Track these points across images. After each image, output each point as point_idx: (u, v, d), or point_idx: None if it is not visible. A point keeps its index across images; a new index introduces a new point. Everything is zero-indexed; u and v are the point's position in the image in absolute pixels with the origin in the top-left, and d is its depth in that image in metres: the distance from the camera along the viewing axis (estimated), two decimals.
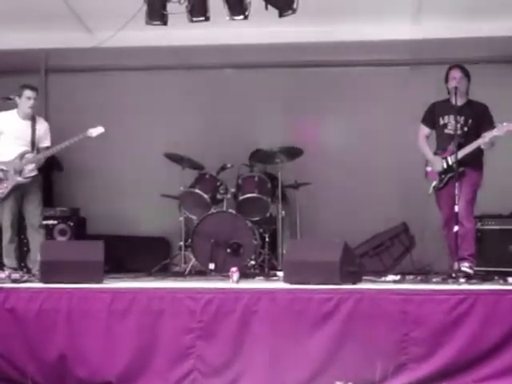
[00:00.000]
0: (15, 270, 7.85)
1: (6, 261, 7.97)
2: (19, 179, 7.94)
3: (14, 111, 8.12)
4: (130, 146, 10.16)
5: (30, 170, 8.01)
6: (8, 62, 9.68)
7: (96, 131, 8.04)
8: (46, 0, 8.22)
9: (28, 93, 8.02)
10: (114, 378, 6.35)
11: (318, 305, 6.26)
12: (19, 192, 7.98)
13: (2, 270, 7.85)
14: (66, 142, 7.99)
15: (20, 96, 8.04)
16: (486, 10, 8.07)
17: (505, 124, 7.27)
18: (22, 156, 7.97)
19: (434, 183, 7.69)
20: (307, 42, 8.90)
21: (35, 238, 7.98)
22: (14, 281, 7.21)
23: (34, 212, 8.04)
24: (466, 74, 7.69)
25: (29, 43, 8.97)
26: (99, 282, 6.92)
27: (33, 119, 8.08)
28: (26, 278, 7.41)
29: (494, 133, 7.32)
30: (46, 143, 8.13)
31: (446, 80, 7.68)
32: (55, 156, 9.50)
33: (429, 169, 7.78)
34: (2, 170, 7.95)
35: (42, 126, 8.14)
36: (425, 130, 7.87)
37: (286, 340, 6.23)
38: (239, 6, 7.24)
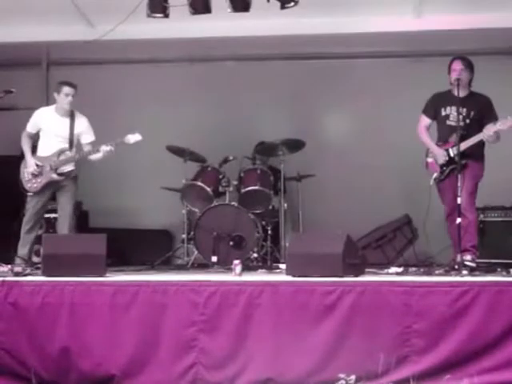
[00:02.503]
0: (25, 260, 7.86)
1: (19, 250, 7.98)
2: (53, 176, 7.96)
3: (53, 107, 8.14)
4: None
5: (66, 166, 8.03)
6: (10, 54, 9.71)
7: (134, 138, 7.99)
8: None
9: (66, 89, 8.01)
10: (118, 371, 6.35)
11: (320, 297, 6.26)
12: (52, 188, 8.03)
13: (4, 264, 7.87)
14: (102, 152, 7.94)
15: (58, 92, 8.04)
16: (489, 2, 8.04)
17: (509, 118, 7.25)
18: (59, 153, 7.99)
19: (435, 175, 7.67)
20: (309, 35, 8.88)
21: (64, 228, 7.98)
22: (17, 274, 7.20)
23: (65, 204, 8.03)
24: (469, 66, 7.65)
25: (30, 36, 8.95)
26: (102, 275, 6.90)
27: (71, 116, 8.07)
28: (28, 271, 7.40)
29: (498, 126, 7.30)
30: (89, 138, 8.11)
31: (449, 71, 7.65)
32: None
33: (429, 160, 7.77)
34: (37, 165, 7.97)
35: (81, 122, 8.11)
36: (425, 121, 7.84)
37: (289, 332, 6.22)
38: (241, 1, 7.22)
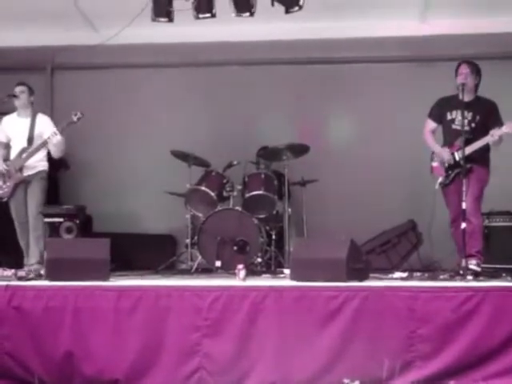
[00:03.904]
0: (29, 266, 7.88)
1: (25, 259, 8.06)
2: (19, 176, 8.01)
3: (16, 112, 8.25)
4: (136, 144, 10.16)
5: (33, 166, 8.03)
6: (14, 59, 9.73)
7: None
8: None
9: (16, 88, 8.13)
10: (121, 376, 6.32)
11: (324, 302, 6.23)
12: (23, 188, 8.06)
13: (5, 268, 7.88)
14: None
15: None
16: (495, 6, 8.05)
17: None
18: (21, 153, 8.06)
19: (441, 179, 7.66)
20: (314, 39, 8.91)
21: (33, 229, 7.99)
22: (20, 278, 7.19)
23: (31, 202, 8.04)
24: (475, 70, 7.63)
25: (35, 41, 9.01)
26: (106, 279, 6.89)
27: (33, 116, 8.12)
28: (32, 274, 7.39)
29: (504, 130, 7.30)
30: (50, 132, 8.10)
31: (456, 75, 7.62)
32: None
33: (434, 164, 7.75)
34: (5, 169, 8.04)
35: (42, 121, 8.18)
36: (431, 125, 7.83)
37: (293, 337, 6.20)
38: (246, 3, 7.22)
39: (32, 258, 7.92)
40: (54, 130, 7.96)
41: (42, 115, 8.26)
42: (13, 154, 8.13)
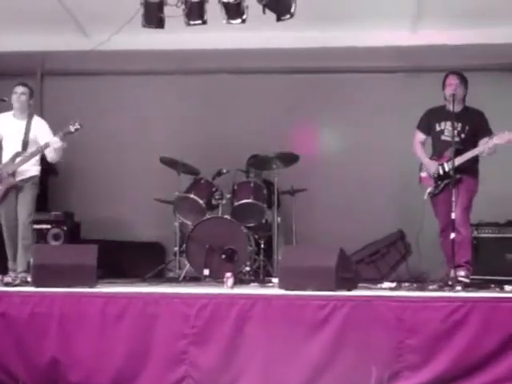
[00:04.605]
0: (15, 272, 7.79)
1: (10, 264, 7.93)
2: (11, 181, 7.87)
3: (11, 112, 8.08)
4: (126, 151, 10.14)
5: (25, 170, 7.92)
6: (3, 64, 9.66)
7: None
8: (43, 2, 8.17)
9: (16, 88, 8.00)
10: (107, 383, 6.28)
11: (313, 311, 6.20)
12: (14, 193, 7.91)
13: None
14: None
15: (12, 94, 8.01)
16: (485, 17, 8.04)
17: (506, 133, 7.26)
18: (14, 157, 7.90)
19: (430, 189, 7.66)
20: (305, 48, 8.86)
21: (22, 237, 7.85)
22: (6, 284, 7.14)
23: (20, 211, 7.90)
24: (463, 81, 7.68)
25: (25, 46, 8.90)
26: (92, 286, 6.85)
27: (29, 119, 8.01)
28: (18, 281, 7.34)
29: (495, 141, 7.31)
30: (46, 139, 7.93)
31: (444, 86, 7.65)
32: None
33: (423, 174, 7.76)
34: None
35: (38, 124, 8.04)
36: (420, 136, 7.85)
37: (281, 346, 6.17)
38: (236, 10, 7.20)
39: (20, 266, 7.77)
40: (55, 137, 7.81)
41: (39, 118, 8.12)
42: (4, 156, 7.95)
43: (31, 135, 7.95)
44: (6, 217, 7.95)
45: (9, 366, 6.40)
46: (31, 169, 7.96)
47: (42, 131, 8.00)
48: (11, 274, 7.75)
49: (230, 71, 10.07)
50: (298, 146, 9.17)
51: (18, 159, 7.89)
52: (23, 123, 7.98)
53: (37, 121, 8.07)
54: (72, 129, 7.81)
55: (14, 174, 7.86)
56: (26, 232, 7.88)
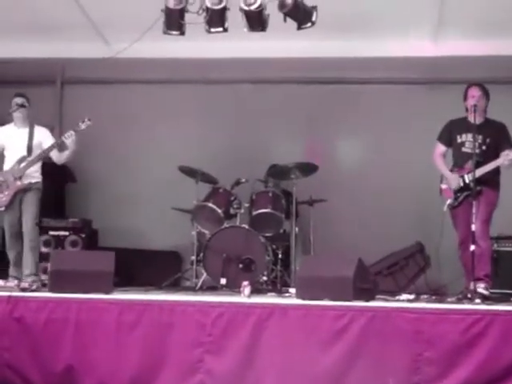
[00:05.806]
0: (16, 278, 7.79)
1: (11, 270, 7.93)
2: (19, 184, 7.89)
3: (12, 124, 8.16)
4: (144, 159, 10.14)
5: (31, 175, 7.95)
6: (24, 71, 9.71)
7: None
8: (64, 10, 8.23)
9: (15, 99, 8.05)
10: None
11: (330, 321, 6.17)
12: (19, 198, 7.93)
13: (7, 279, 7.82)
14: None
15: (11, 105, 8.07)
16: (508, 28, 7.99)
17: None
18: (20, 161, 7.94)
19: (449, 201, 7.60)
20: (325, 57, 8.85)
21: (29, 239, 7.87)
22: (23, 290, 7.14)
23: (27, 212, 7.91)
24: (485, 93, 7.63)
25: (46, 52, 8.95)
26: (109, 292, 6.84)
27: (31, 127, 8.06)
28: (34, 287, 7.33)
29: None
30: (50, 143, 8.03)
31: (465, 98, 7.61)
32: (68, 167, 9.48)
33: (444, 186, 7.70)
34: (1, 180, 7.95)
35: (41, 131, 8.11)
36: (441, 148, 7.80)
37: (297, 356, 6.13)
38: (258, 19, 7.18)
39: (26, 268, 7.76)
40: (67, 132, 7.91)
41: (39, 127, 8.16)
42: (8, 164, 7.99)
43: (35, 141, 8.01)
44: (11, 222, 7.97)
45: (24, 371, 6.40)
46: (35, 175, 8.01)
47: (45, 136, 8.10)
48: (10, 279, 7.77)
49: (250, 81, 10.06)
50: (312, 156, 9.15)
51: (23, 163, 7.93)
52: (25, 131, 8.05)
53: (39, 128, 8.14)
54: (82, 126, 7.86)
55: (21, 178, 7.89)
56: (33, 233, 7.90)
